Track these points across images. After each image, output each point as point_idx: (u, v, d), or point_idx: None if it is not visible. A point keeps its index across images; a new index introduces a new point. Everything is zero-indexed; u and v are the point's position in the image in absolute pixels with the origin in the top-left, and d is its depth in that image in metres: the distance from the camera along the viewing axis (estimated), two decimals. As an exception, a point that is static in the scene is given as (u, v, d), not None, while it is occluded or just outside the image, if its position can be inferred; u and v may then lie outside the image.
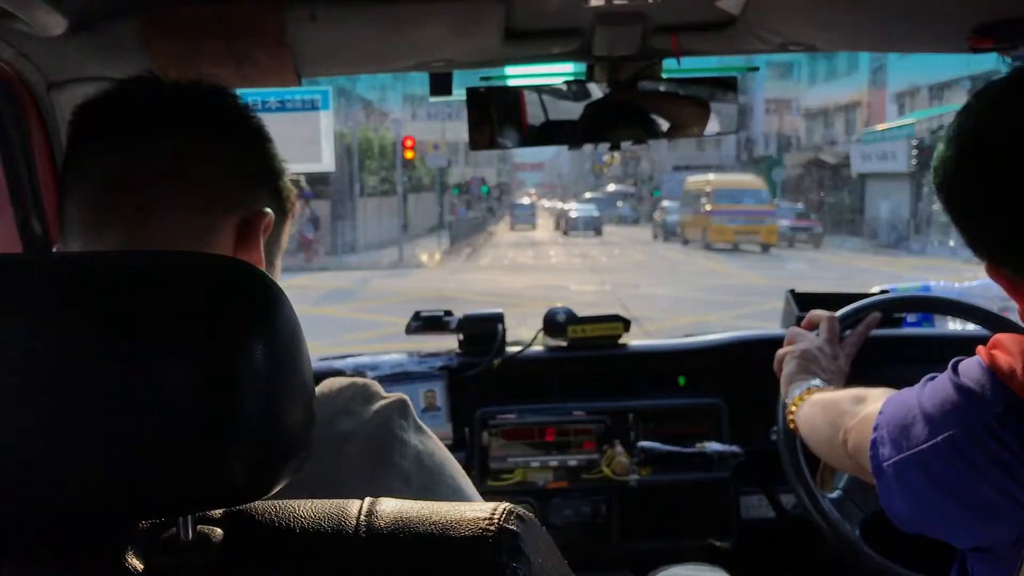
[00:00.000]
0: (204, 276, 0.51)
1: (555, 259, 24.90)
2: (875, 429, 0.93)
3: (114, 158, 0.73)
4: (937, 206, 25.81)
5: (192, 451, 0.47)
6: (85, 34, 1.16)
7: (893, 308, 1.59)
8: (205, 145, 0.76)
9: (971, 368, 0.84)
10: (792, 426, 1.25)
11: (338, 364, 1.89)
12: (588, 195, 49.67)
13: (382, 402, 0.75)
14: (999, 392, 0.79)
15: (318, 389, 0.72)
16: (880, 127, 30.53)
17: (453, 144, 34.87)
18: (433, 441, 0.77)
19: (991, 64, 1.54)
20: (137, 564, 0.49)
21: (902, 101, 31.80)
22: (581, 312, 2.01)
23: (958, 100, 26.39)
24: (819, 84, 38.87)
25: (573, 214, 38.29)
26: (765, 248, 25.55)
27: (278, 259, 0.83)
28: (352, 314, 11.53)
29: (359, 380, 0.77)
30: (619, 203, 49.67)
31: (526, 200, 57.88)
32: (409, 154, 23.98)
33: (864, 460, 0.99)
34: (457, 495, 0.77)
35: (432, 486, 0.74)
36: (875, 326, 1.43)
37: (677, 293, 14.64)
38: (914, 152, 26.41)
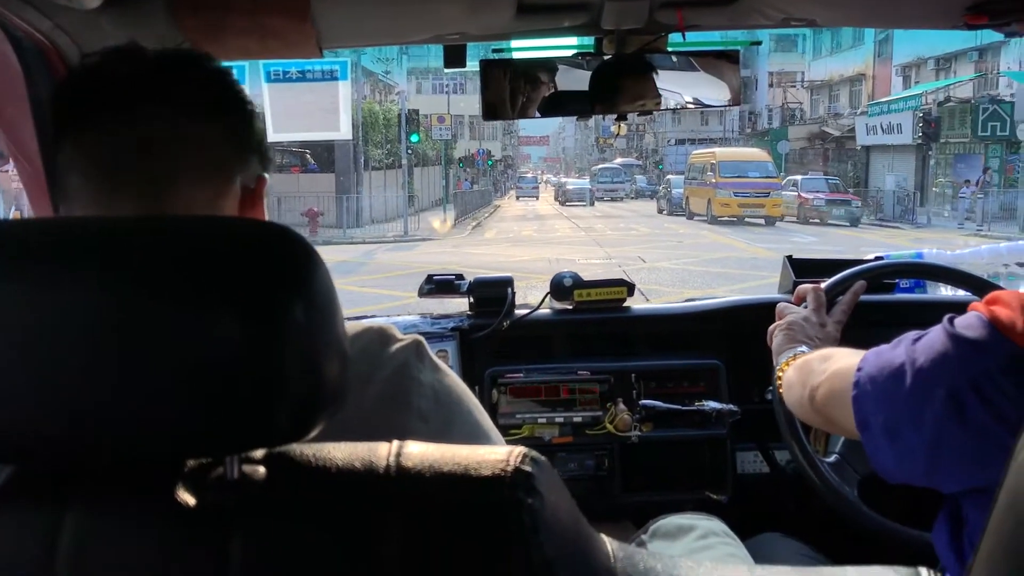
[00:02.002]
0: (247, 238, 0.55)
1: (560, 232, 24.46)
2: (856, 385, 0.95)
3: (118, 135, 0.73)
4: (943, 179, 24.97)
5: (238, 398, 0.52)
6: (119, 7, 1.17)
7: (880, 275, 1.63)
8: (202, 114, 0.77)
9: (969, 321, 0.84)
10: (780, 391, 1.29)
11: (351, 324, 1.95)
12: (600, 167, 49.31)
13: (398, 344, 0.76)
14: (1001, 343, 0.79)
15: None
16: (886, 99, 29.98)
17: (458, 118, 34.75)
18: (450, 378, 0.79)
19: (998, 36, 1.57)
20: (189, 500, 0.54)
21: (907, 73, 31.27)
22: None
23: (964, 72, 25.54)
24: (824, 57, 38.47)
25: (569, 186, 45.98)
26: (770, 221, 25.06)
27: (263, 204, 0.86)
28: (357, 288, 11.46)
29: (375, 324, 0.79)
30: (637, 175, 49.43)
31: (530, 175, 61.59)
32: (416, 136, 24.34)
33: (834, 414, 1.03)
34: (475, 430, 0.80)
35: (450, 423, 0.77)
36: (862, 293, 1.47)
37: (683, 267, 14.27)
38: (920, 124, 25.93)
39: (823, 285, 1.48)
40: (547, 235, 23.16)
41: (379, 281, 12.39)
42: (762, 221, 25.10)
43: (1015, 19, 1.39)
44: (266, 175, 0.83)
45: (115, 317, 0.51)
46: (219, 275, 0.52)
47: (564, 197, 43.52)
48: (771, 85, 43.85)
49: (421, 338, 0.79)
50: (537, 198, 49.42)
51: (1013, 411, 0.78)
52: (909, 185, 27.23)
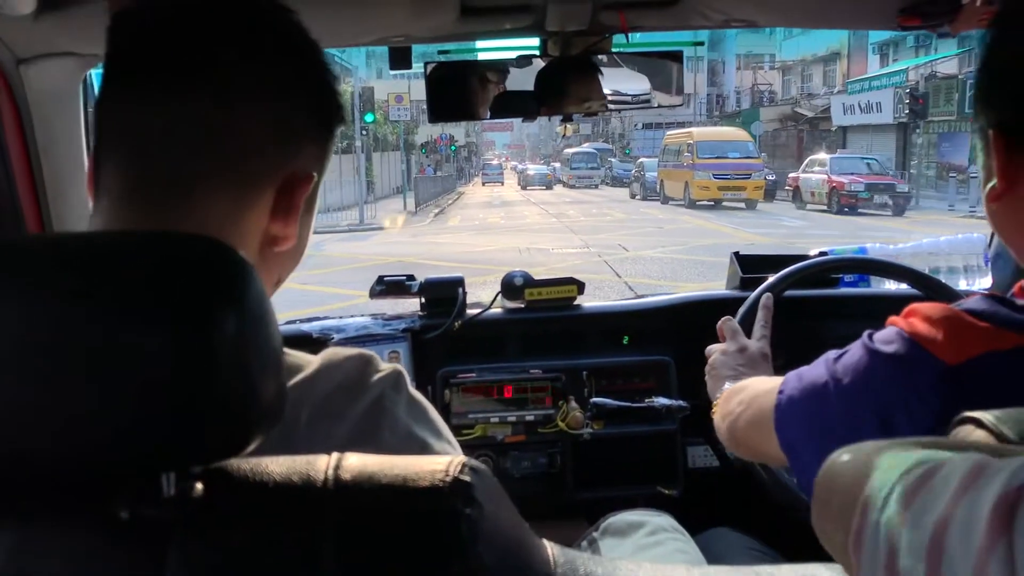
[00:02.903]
0: (176, 254, 0.55)
1: (529, 219, 23.18)
2: (777, 408, 0.93)
3: (149, 120, 0.67)
4: (927, 159, 23.12)
5: (171, 414, 0.52)
6: (54, 12, 1.16)
7: (786, 282, 1.66)
8: (255, 104, 0.69)
9: (890, 337, 0.82)
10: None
11: (305, 327, 1.94)
12: (571, 150, 47.07)
13: (378, 375, 0.74)
14: (927, 360, 0.78)
15: (322, 359, 0.73)
16: (867, 76, 28.89)
17: (420, 103, 34.06)
18: (424, 414, 0.76)
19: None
20: (124, 515, 0.53)
21: (885, 51, 30.57)
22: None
23: (946, 49, 24.25)
24: (796, 36, 37.43)
25: (530, 172, 48.55)
26: (751, 204, 24.00)
27: (315, 208, 0.79)
28: (299, 285, 9.86)
29: (362, 353, 0.75)
30: (612, 159, 46.16)
31: (495, 161, 65.06)
32: (376, 115, 23.15)
33: (757, 442, 1.01)
34: None
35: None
36: (772, 305, 1.48)
37: (670, 255, 13.08)
38: (907, 101, 24.17)
39: (737, 316, 1.52)
40: (516, 222, 22.09)
41: (326, 277, 10.94)
42: (743, 205, 24.08)
43: (946, 20, 1.41)
44: (316, 173, 0.74)
45: (44, 334, 0.51)
46: (148, 290, 0.52)
47: (525, 182, 46.17)
48: (739, 68, 43.53)
49: (401, 369, 0.76)
50: (502, 183, 52.40)
51: (940, 426, 0.75)
52: (891, 166, 25.25)
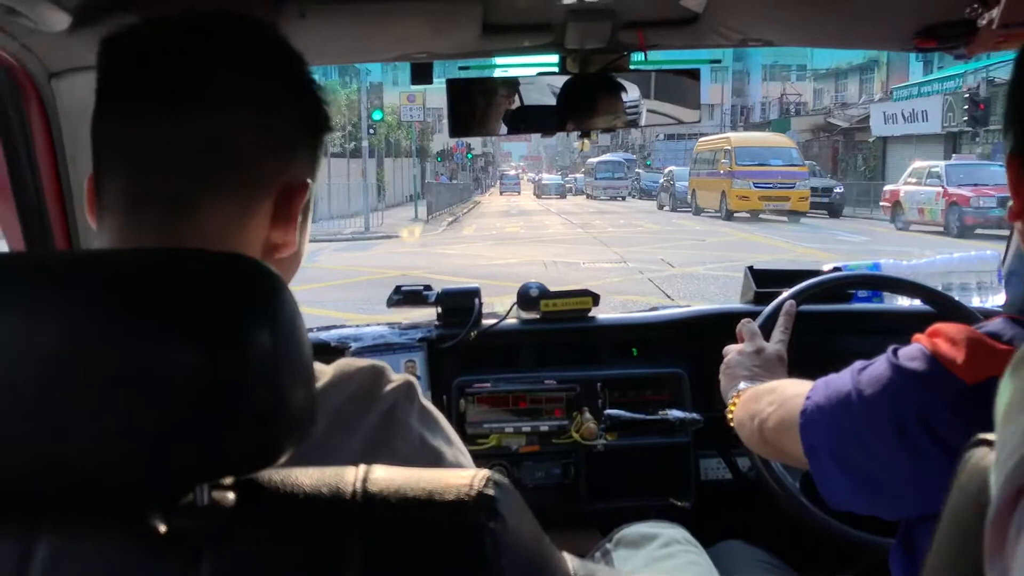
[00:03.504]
0: (210, 270, 0.56)
1: (551, 229, 21.80)
2: (803, 413, 0.96)
3: (149, 138, 0.69)
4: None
5: (205, 427, 0.53)
6: (86, 28, 1.16)
7: (806, 293, 1.65)
8: (250, 118, 0.72)
9: (913, 354, 0.85)
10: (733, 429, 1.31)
11: (323, 336, 1.96)
12: (598, 160, 43.64)
13: (390, 386, 0.75)
14: (946, 379, 0.81)
15: (335, 369, 0.75)
16: (916, 82, 26.95)
17: (436, 111, 33.21)
18: (437, 424, 0.78)
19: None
20: (159, 527, 0.55)
21: (929, 58, 26.87)
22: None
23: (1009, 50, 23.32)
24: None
25: (545, 181, 50.59)
26: (794, 217, 22.21)
27: (311, 215, 0.82)
28: None
29: (375, 364, 0.77)
30: (639, 170, 43.13)
31: (512, 172, 67.47)
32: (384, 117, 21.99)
33: (783, 443, 1.04)
34: None
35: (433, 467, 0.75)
36: (795, 312, 1.50)
37: (722, 272, 11.46)
38: (964, 107, 20.20)
39: (757, 320, 1.53)
40: (536, 232, 20.88)
41: (313, 295, 9.54)
42: (784, 218, 22.35)
43: (962, 43, 1.42)
44: (310, 180, 0.77)
45: (82, 348, 0.52)
46: (185, 306, 0.54)
47: (540, 191, 48.10)
48: (764, 79, 42.43)
49: (413, 380, 0.78)
50: (519, 192, 56.01)
51: (959, 442, 0.77)
52: None
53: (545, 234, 19.99)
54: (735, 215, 22.94)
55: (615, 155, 46.78)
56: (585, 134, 1.84)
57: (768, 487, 1.48)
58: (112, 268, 0.56)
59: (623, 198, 39.49)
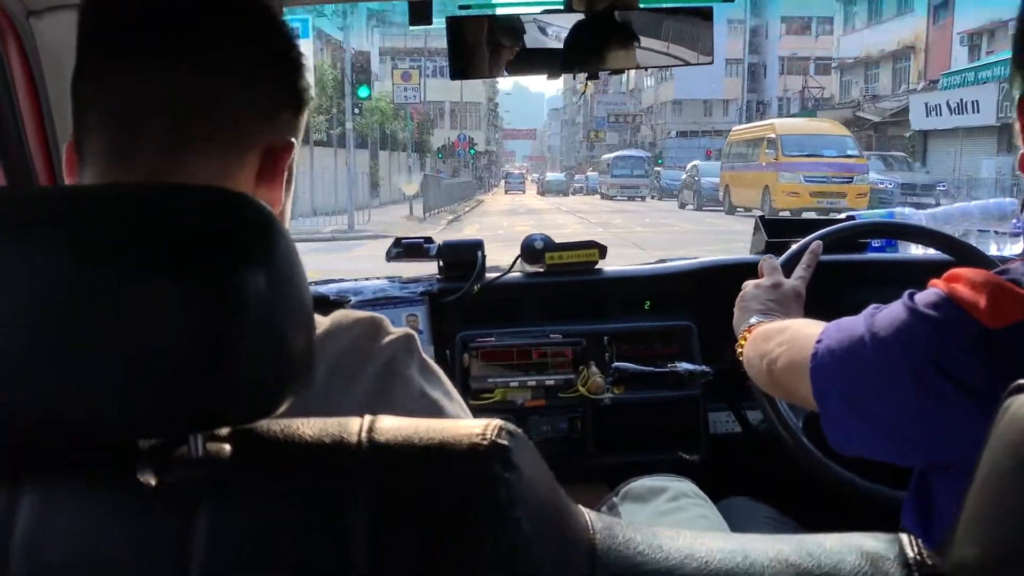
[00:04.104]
0: (204, 205, 0.52)
1: (568, 228, 19.37)
2: (814, 356, 0.94)
3: (133, 90, 0.68)
4: None
5: (199, 375, 0.50)
6: None
7: (840, 236, 1.62)
8: (236, 73, 0.71)
9: (930, 298, 0.83)
10: (741, 362, 1.30)
11: (322, 289, 1.92)
12: (615, 155, 39.12)
13: (388, 338, 0.75)
14: (967, 323, 0.79)
15: (332, 320, 0.73)
16: (971, 66, 23.78)
17: (437, 104, 32.85)
18: (436, 377, 0.77)
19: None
20: (150, 480, 0.52)
21: (975, 42, 25.07)
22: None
23: None
24: (859, 31, 32.21)
25: (548, 178, 53.10)
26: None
27: (293, 180, 0.82)
28: None
29: (373, 316, 0.76)
30: (658, 168, 38.03)
31: (517, 171, 68.06)
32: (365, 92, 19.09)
33: (793, 385, 1.02)
34: None
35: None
36: (820, 252, 1.47)
37: None
38: None
39: (781, 257, 1.49)
40: (552, 232, 18.69)
41: None
42: (839, 215, 18.64)
43: None
44: (294, 140, 0.77)
45: (66, 291, 0.49)
46: (175, 246, 0.50)
47: (544, 188, 49.31)
48: (782, 73, 39.84)
49: (412, 333, 0.77)
50: (524, 191, 55.98)
51: (981, 384, 0.78)
52: (989, 175, 19.86)
53: (563, 234, 18.23)
54: (780, 213, 18.32)
55: (633, 150, 42.74)
56: (592, 76, 1.76)
57: (780, 438, 1.46)
58: (92, 204, 0.53)
59: (642, 198, 35.33)
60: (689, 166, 28.90)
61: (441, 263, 2.00)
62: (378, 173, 26.80)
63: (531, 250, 2.01)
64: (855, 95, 32.35)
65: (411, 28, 1.68)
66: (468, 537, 0.51)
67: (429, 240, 2.01)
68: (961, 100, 22.78)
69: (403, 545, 0.51)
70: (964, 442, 0.69)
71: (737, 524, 1.49)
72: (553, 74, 1.75)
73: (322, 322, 0.72)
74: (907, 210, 2.04)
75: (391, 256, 2.00)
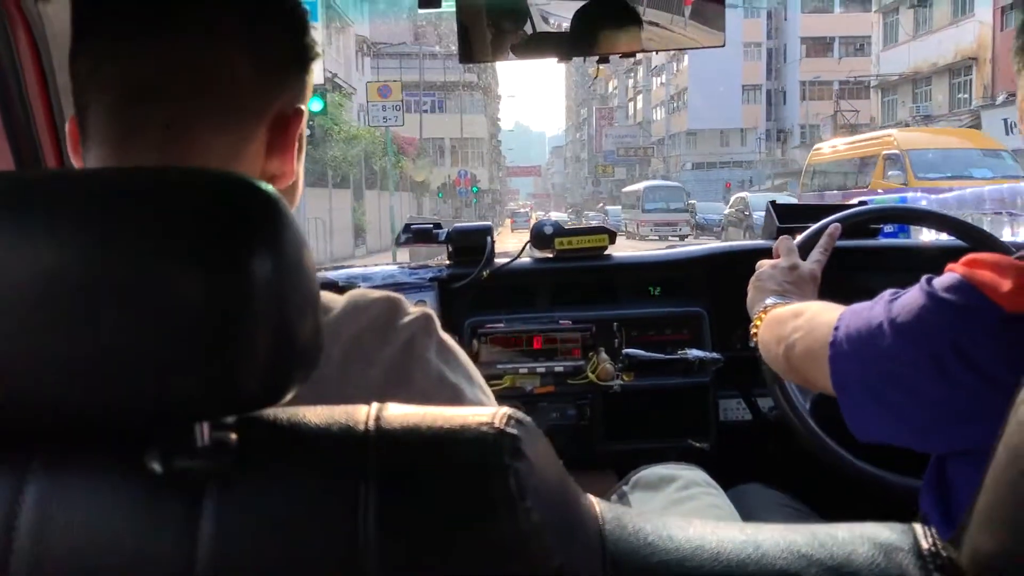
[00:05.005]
0: (210, 189, 0.52)
1: None
2: (832, 344, 0.94)
3: (139, 65, 0.67)
4: None
5: (204, 361, 0.50)
6: None
7: (855, 221, 1.60)
8: (240, 42, 0.69)
9: (949, 283, 0.83)
10: (756, 344, 1.30)
11: (331, 275, 1.92)
12: (641, 185, 33.28)
13: (407, 318, 0.73)
14: (987, 307, 0.79)
15: (348, 300, 0.72)
16: None
17: (437, 141, 30.45)
18: (455, 358, 0.75)
19: None
20: (156, 467, 0.52)
21: None
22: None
23: None
24: (902, 44, 28.08)
25: (553, 216, 47.34)
26: None
27: (304, 149, 0.80)
28: None
29: (390, 295, 0.75)
30: (692, 201, 31.03)
31: (522, 209, 65.41)
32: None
33: (811, 372, 1.01)
34: None
35: (453, 403, 0.72)
36: (838, 235, 1.46)
37: None
38: None
39: (798, 239, 1.47)
40: None
41: None
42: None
43: None
44: (303, 107, 0.75)
45: (71, 276, 0.48)
46: (180, 230, 0.49)
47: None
48: (803, 99, 36.77)
49: (431, 313, 0.75)
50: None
51: (1001, 370, 0.77)
52: None
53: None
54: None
55: (665, 181, 35.71)
56: (602, 60, 1.75)
57: (791, 425, 1.45)
58: (102, 187, 0.52)
59: (681, 237, 27.79)
60: (734, 198, 25.15)
61: (450, 248, 1.99)
62: (363, 217, 23.56)
63: (541, 235, 2.00)
64: (902, 116, 27.87)
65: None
66: (478, 527, 0.51)
67: (438, 226, 2.01)
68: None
69: (411, 534, 0.50)
70: (983, 428, 0.68)
71: (749, 511, 1.48)
72: (562, 57, 1.74)
73: (337, 301, 0.72)
74: (919, 195, 2.02)
75: (400, 242, 2.00)
